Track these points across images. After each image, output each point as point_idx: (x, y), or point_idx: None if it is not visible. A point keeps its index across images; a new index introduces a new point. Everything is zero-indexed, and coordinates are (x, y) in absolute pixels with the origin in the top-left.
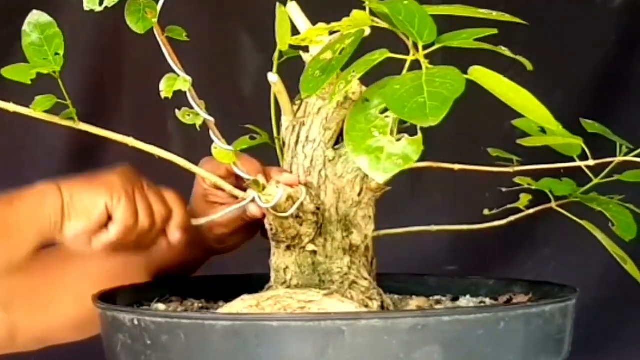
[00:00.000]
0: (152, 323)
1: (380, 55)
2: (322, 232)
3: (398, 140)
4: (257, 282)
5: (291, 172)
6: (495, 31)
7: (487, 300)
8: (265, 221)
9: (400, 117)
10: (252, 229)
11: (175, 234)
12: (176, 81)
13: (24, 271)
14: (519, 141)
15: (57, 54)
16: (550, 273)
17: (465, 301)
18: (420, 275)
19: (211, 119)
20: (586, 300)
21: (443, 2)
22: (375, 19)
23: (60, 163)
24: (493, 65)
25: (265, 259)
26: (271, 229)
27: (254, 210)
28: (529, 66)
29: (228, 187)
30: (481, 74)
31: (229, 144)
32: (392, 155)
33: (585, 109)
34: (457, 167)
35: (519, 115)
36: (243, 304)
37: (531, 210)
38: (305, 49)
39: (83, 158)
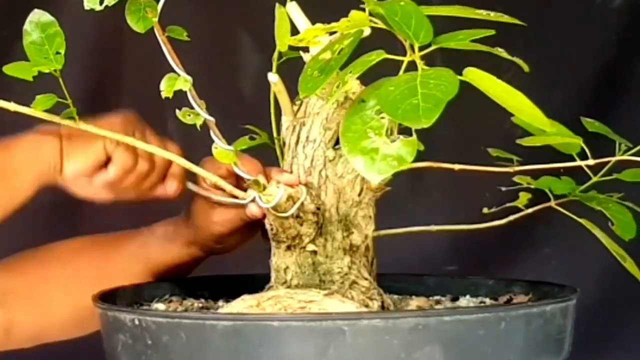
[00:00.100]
0: (153, 323)
1: (377, 56)
2: (323, 232)
3: (393, 141)
4: (257, 282)
5: (291, 172)
6: (492, 32)
7: (487, 301)
8: (266, 221)
9: (394, 119)
10: (251, 230)
11: (172, 185)
12: (176, 81)
13: (19, 269)
14: (518, 141)
15: (58, 53)
16: (550, 273)
17: (465, 301)
18: (420, 275)
19: (211, 119)
20: (586, 300)
21: (442, 2)
22: (374, 20)
23: None
24: (493, 66)
25: (265, 259)
26: (271, 229)
27: (254, 210)
28: (526, 68)
29: (228, 187)
30: (476, 76)
31: (229, 144)
32: (387, 156)
33: (585, 108)
34: (457, 167)
35: None
36: (243, 304)
37: (530, 210)
38: (306, 49)
39: None
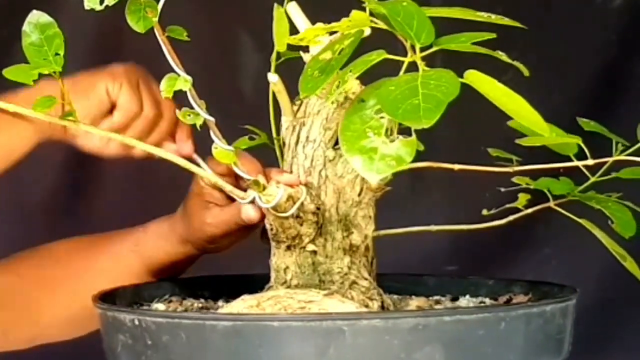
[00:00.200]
0: (153, 323)
1: (377, 56)
2: (322, 232)
3: (392, 141)
4: (257, 282)
5: (291, 172)
6: (493, 35)
7: (487, 301)
8: (266, 221)
9: (394, 119)
10: (244, 231)
11: (186, 145)
12: (177, 81)
13: (17, 270)
14: (517, 141)
15: (57, 54)
16: (550, 273)
17: (465, 301)
18: (420, 276)
19: (211, 118)
20: (586, 300)
21: (443, 4)
22: (374, 20)
23: (60, 163)
24: (494, 67)
25: (265, 259)
26: (271, 229)
27: (249, 214)
28: (526, 72)
29: (228, 187)
30: (476, 78)
31: (229, 144)
32: (385, 156)
33: (584, 109)
34: (457, 167)
35: None
36: (243, 304)
37: (530, 210)
38: (306, 49)
39: (83, 158)
